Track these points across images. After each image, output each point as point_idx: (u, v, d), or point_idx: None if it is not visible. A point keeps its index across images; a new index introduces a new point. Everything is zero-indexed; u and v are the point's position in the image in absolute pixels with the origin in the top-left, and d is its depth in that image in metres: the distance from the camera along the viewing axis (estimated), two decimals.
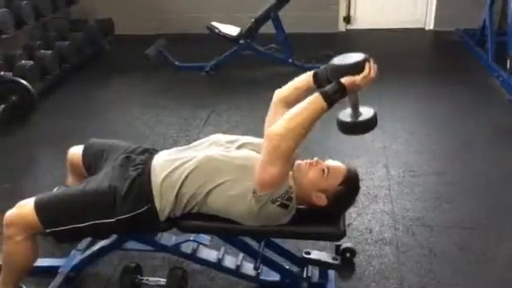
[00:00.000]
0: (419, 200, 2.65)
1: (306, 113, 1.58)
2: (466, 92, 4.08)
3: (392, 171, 2.92)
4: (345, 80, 1.59)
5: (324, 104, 1.57)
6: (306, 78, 1.80)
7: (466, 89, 4.13)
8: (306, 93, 1.75)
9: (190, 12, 5.83)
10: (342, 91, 1.59)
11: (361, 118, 1.69)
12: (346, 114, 1.72)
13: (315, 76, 1.77)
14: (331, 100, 1.58)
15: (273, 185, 1.61)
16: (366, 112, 1.70)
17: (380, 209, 2.58)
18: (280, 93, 1.86)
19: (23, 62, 4.14)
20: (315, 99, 1.59)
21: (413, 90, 4.20)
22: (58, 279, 1.99)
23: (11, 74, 3.90)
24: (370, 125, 1.70)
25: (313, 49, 4.89)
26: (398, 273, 2.14)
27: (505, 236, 2.36)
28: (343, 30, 5.92)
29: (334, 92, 1.58)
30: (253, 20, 4.51)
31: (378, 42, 5.45)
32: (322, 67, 1.75)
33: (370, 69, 1.61)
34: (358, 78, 1.59)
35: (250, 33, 4.53)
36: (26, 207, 1.75)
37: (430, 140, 3.35)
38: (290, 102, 1.77)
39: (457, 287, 2.07)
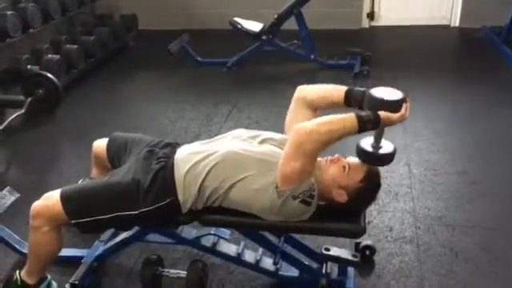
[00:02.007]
0: (441, 199, 2.63)
1: (337, 126, 1.59)
2: (491, 91, 4.01)
3: (414, 169, 2.90)
4: (382, 114, 1.60)
5: (356, 127, 1.59)
6: (336, 92, 1.79)
7: (491, 88, 4.07)
8: (333, 105, 1.78)
9: (213, 8, 5.86)
10: (377, 123, 1.61)
11: (381, 151, 1.72)
12: (367, 143, 1.74)
13: (348, 95, 1.75)
14: (364, 127, 1.59)
15: (294, 180, 1.62)
16: (387, 146, 1.74)
17: (401, 207, 2.56)
18: (305, 93, 1.86)
19: (50, 56, 4.23)
20: (350, 118, 1.59)
21: (436, 88, 4.15)
22: (82, 269, 2.03)
23: (38, 67, 3.98)
24: (387, 160, 1.74)
25: (335, 46, 4.87)
26: (418, 272, 2.12)
27: None
28: (367, 26, 5.87)
29: (369, 121, 1.60)
30: (275, 16, 4.51)
31: (402, 39, 5.39)
32: (357, 88, 1.75)
33: (407, 109, 1.63)
34: (394, 116, 1.61)
35: (272, 29, 4.53)
36: (51, 199, 1.79)
37: (452, 139, 3.31)
38: (314, 107, 1.82)
39: None
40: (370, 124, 1.60)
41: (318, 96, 1.83)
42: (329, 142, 1.60)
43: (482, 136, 3.31)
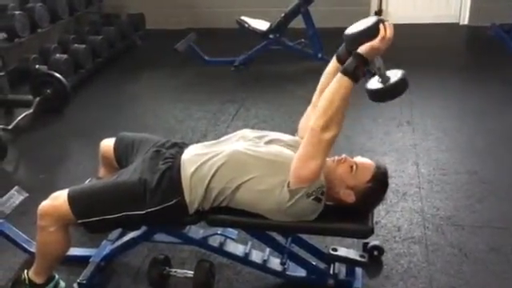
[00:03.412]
0: (450, 199, 2.60)
1: (337, 98, 1.55)
2: (501, 89, 3.97)
3: (422, 169, 2.88)
4: (362, 49, 1.53)
5: (350, 82, 1.54)
6: (332, 65, 1.79)
7: (501, 86, 4.03)
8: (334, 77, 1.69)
9: (220, 7, 5.85)
10: (363, 61, 1.54)
11: (391, 81, 1.61)
12: (373, 82, 1.65)
13: (338, 58, 1.74)
14: (355, 75, 1.53)
15: (311, 179, 1.61)
16: (394, 74, 1.62)
17: (409, 207, 2.54)
18: (317, 94, 1.85)
19: (58, 55, 4.25)
20: (339, 79, 1.55)
21: (445, 87, 4.11)
22: (89, 268, 2.03)
23: (46, 67, 3.99)
24: (401, 87, 1.61)
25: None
26: (426, 272, 2.10)
27: None
28: None
29: (354, 66, 1.53)
30: (282, 14, 4.49)
31: (411, 38, 5.34)
32: (341, 47, 1.70)
33: (386, 29, 1.54)
34: (375, 42, 1.52)
35: (279, 27, 4.52)
36: (59, 199, 1.80)
37: (461, 138, 3.28)
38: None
39: None
40: (358, 67, 1.53)
41: (322, 83, 1.81)
42: (343, 116, 1.57)
43: (492, 135, 3.28)
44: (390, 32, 1.54)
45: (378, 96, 1.64)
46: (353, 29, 1.58)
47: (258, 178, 1.68)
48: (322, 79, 1.84)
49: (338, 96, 1.55)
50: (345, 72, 1.55)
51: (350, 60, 1.56)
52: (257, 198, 1.69)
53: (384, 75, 1.61)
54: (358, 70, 1.53)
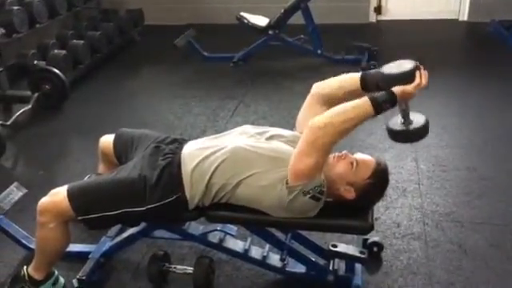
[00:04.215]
0: (449, 195, 2.60)
1: (352, 114, 1.56)
2: (500, 86, 3.97)
3: (422, 165, 2.88)
4: (396, 90, 1.56)
5: (372, 111, 1.55)
6: (352, 80, 1.76)
7: (501, 82, 4.03)
8: (350, 95, 1.71)
9: (219, 2, 5.84)
10: (393, 101, 1.56)
11: (413, 126, 1.65)
12: (396, 122, 1.68)
13: (363, 79, 1.72)
14: (380, 108, 1.55)
15: (306, 176, 1.61)
16: (417, 119, 1.67)
17: (409, 203, 2.54)
18: (321, 88, 1.83)
19: (56, 51, 4.23)
20: (364, 104, 1.56)
21: (445, 83, 4.10)
22: (89, 264, 2.03)
23: (44, 63, 3.98)
24: (423, 132, 1.66)
25: (343, 40, 4.83)
26: (426, 268, 2.11)
27: None
28: (374, 20, 5.83)
29: (384, 101, 1.55)
30: (282, 10, 4.48)
31: (410, 34, 5.35)
32: (371, 71, 1.72)
33: (422, 76, 1.58)
34: (409, 88, 1.56)
35: (278, 23, 4.50)
36: (58, 195, 1.79)
37: (461, 134, 3.28)
38: (331, 101, 1.74)
39: (487, 285, 2.02)
40: (386, 103, 1.55)
41: (332, 88, 1.79)
42: (345, 132, 1.57)
43: (491, 131, 3.28)
44: (425, 80, 1.58)
45: (397, 137, 1.69)
46: (390, 68, 1.61)
47: (260, 174, 1.68)
48: (333, 88, 1.79)
49: (354, 115, 1.56)
50: (373, 101, 1.55)
51: (382, 93, 1.57)
52: (258, 193, 1.69)
53: (408, 118, 1.65)
54: (384, 106, 1.56)
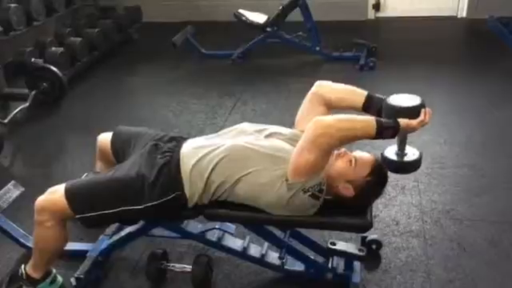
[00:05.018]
0: (448, 192, 2.60)
1: (355, 126, 1.58)
2: (499, 83, 3.96)
3: None
4: (402, 121, 1.59)
5: (373, 132, 1.57)
6: (357, 95, 1.78)
7: (499, 79, 4.02)
8: (350, 108, 1.77)
9: None
10: (396, 131, 1.59)
11: (406, 159, 1.71)
12: (391, 152, 1.73)
13: (368, 100, 1.75)
14: (382, 133, 1.58)
15: (306, 172, 1.60)
16: (412, 153, 1.73)
17: (407, 201, 2.54)
18: (324, 91, 1.83)
19: (54, 48, 4.21)
20: (369, 122, 1.58)
21: (443, 80, 4.10)
22: (87, 263, 2.03)
23: (42, 60, 3.96)
24: (415, 167, 1.73)
25: (341, 37, 4.83)
26: (424, 266, 2.11)
27: None
28: (372, 17, 5.81)
29: (388, 127, 1.59)
30: (280, 7, 4.47)
31: (409, 31, 5.34)
32: (377, 96, 1.75)
33: (426, 114, 1.62)
34: (414, 122, 1.60)
35: (277, 20, 4.49)
36: (56, 193, 1.78)
37: (460, 131, 3.27)
38: (330, 106, 1.81)
39: (485, 282, 2.02)
40: (389, 131, 1.59)
41: (336, 97, 1.82)
42: (345, 140, 1.61)
43: (490, 128, 3.28)
44: (428, 118, 1.63)
45: (390, 166, 1.74)
46: (397, 100, 1.65)
47: (258, 171, 1.67)
48: (336, 97, 1.81)
49: (357, 128, 1.58)
50: (379, 124, 1.58)
51: (388, 121, 1.60)
52: (257, 191, 1.69)
53: (403, 150, 1.72)
54: (386, 132, 1.59)
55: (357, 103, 1.77)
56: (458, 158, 2.92)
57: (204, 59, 4.75)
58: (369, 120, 1.59)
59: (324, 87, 1.84)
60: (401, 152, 1.72)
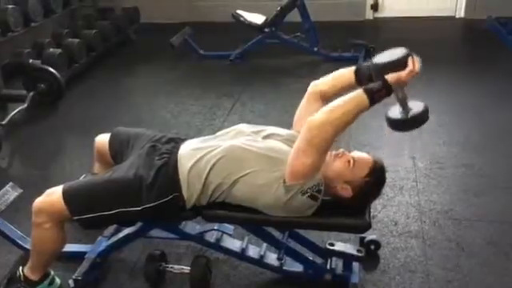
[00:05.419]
0: (447, 192, 2.60)
1: (347, 108, 1.55)
2: (497, 82, 3.97)
3: (419, 163, 2.87)
4: (389, 77, 1.55)
5: (367, 101, 1.54)
6: (346, 74, 1.76)
7: (497, 79, 4.03)
8: (345, 90, 1.71)
9: (215, 0, 5.82)
10: (388, 89, 1.56)
11: (412, 113, 1.63)
12: (395, 111, 1.67)
13: (357, 73, 1.73)
14: (375, 98, 1.54)
15: (304, 175, 1.60)
16: (416, 106, 1.65)
17: (406, 201, 2.54)
18: (317, 86, 1.83)
19: (51, 49, 4.20)
20: (358, 96, 1.55)
21: (442, 80, 4.10)
22: (85, 265, 2.02)
23: (40, 61, 3.96)
24: (422, 118, 1.64)
25: (339, 37, 4.83)
26: (423, 266, 2.10)
27: None
28: (371, 18, 5.82)
29: (378, 90, 1.55)
30: (278, 8, 4.47)
31: (407, 31, 5.34)
32: (364, 64, 1.71)
33: (414, 63, 1.57)
34: (402, 74, 1.55)
35: (275, 21, 4.49)
36: (54, 195, 1.78)
37: (459, 131, 3.27)
38: (327, 97, 1.77)
39: (484, 282, 2.02)
40: (381, 92, 1.54)
41: (327, 85, 1.80)
42: (342, 127, 1.56)
43: (488, 128, 3.28)
44: (417, 66, 1.57)
45: (397, 125, 1.67)
46: (382, 58, 1.61)
47: (256, 172, 1.67)
48: (329, 84, 1.81)
49: (349, 108, 1.54)
50: (368, 91, 1.54)
51: (376, 84, 1.56)
52: (254, 192, 1.68)
53: (406, 106, 1.64)
54: (379, 95, 1.55)
55: (350, 82, 1.74)
56: (457, 158, 2.92)
57: (202, 60, 4.75)
58: (357, 93, 1.55)
59: (316, 84, 1.84)
60: (404, 109, 1.64)
